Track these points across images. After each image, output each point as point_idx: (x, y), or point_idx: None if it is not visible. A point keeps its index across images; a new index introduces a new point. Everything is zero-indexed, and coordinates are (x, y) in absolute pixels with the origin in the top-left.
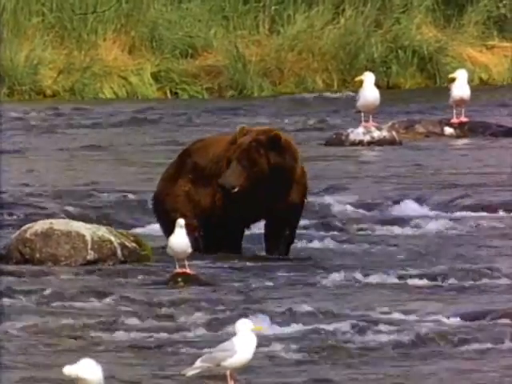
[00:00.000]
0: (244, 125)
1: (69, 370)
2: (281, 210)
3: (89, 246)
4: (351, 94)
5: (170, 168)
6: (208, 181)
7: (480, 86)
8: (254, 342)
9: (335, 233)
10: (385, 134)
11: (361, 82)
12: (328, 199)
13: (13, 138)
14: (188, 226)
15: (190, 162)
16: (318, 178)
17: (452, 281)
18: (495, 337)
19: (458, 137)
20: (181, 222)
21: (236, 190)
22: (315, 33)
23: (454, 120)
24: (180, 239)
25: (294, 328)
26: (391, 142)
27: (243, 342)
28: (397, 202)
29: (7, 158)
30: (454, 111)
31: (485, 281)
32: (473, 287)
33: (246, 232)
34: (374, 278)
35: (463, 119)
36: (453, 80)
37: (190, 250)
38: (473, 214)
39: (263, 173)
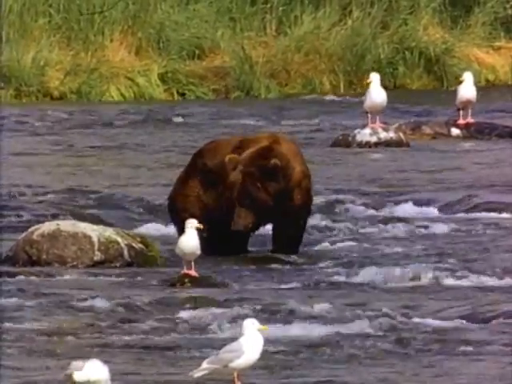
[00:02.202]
0: (230, 156)
1: (79, 377)
2: (284, 213)
3: (95, 248)
4: (356, 99)
5: (185, 168)
6: (215, 182)
7: (486, 87)
8: (261, 342)
9: (342, 233)
10: (392, 135)
11: (369, 84)
12: (335, 200)
13: (19, 139)
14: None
15: (200, 163)
16: (325, 179)
17: (458, 281)
18: (498, 337)
19: (464, 138)
20: (191, 222)
21: (250, 225)
22: (322, 34)
23: (461, 121)
24: (189, 240)
25: (301, 328)
26: (398, 143)
27: (250, 342)
28: (403, 203)
29: (14, 159)
30: (461, 112)
31: (489, 281)
32: (476, 287)
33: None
34: (379, 279)
35: (470, 120)
36: (462, 82)
37: (198, 251)
38: (479, 214)
39: (268, 204)
